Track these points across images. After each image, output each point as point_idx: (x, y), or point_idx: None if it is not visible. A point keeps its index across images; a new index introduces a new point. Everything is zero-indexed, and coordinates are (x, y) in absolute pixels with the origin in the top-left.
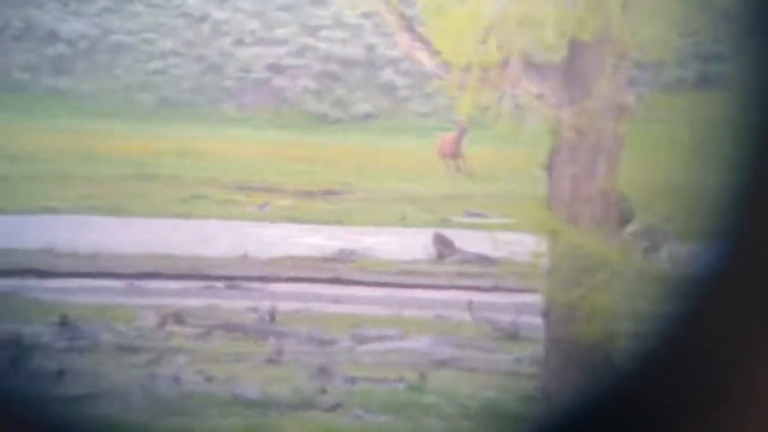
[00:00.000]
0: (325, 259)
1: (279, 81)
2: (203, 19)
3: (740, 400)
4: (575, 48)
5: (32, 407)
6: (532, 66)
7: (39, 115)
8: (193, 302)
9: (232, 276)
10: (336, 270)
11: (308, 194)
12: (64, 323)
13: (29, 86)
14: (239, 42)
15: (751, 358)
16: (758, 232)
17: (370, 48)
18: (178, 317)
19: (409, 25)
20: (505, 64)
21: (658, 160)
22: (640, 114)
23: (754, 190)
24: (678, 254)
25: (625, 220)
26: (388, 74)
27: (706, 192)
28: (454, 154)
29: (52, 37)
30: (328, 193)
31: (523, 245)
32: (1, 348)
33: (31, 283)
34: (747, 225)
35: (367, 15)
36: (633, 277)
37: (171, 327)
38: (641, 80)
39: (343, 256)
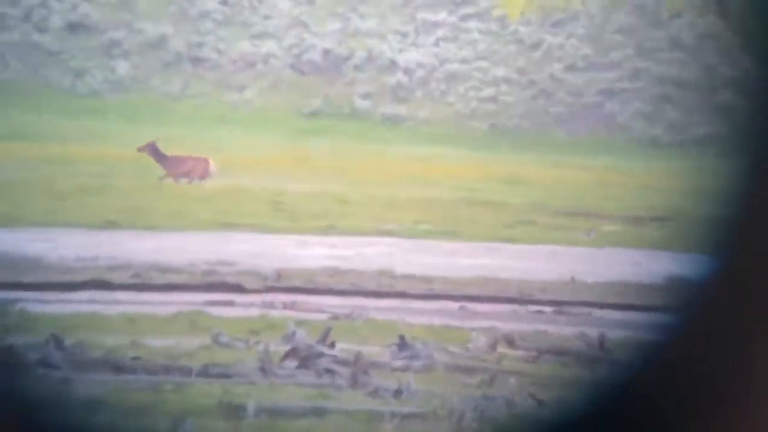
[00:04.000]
0: (652, 287)
1: (610, 106)
2: (536, 45)
3: (740, 400)
4: None
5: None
6: None
7: (375, 140)
8: (524, 326)
9: (559, 301)
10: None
11: (637, 220)
12: (402, 344)
13: (369, 113)
14: (571, 67)
15: (751, 358)
16: (758, 236)
17: (708, 69)
18: (510, 340)
19: None
20: None
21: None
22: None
23: (752, 196)
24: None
25: None
26: (724, 96)
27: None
28: None
29: (392, 66)
30: (658, 219)
31: None
32: (343, 365)
33: (369, 303)
34: (746, 230)
35: (705, 36)
36: None
37: (503, 349)
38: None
39: (674, 285)
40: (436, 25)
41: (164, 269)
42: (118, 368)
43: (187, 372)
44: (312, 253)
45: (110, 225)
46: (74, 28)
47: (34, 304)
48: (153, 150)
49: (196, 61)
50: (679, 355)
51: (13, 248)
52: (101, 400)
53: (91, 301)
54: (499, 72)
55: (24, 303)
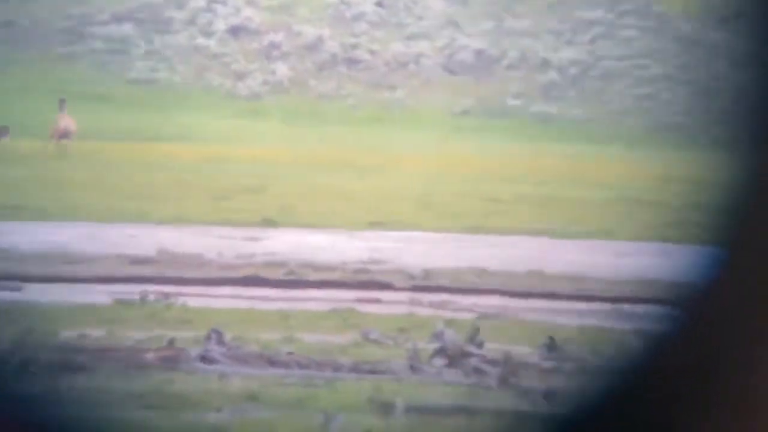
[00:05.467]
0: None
1: None
2: (697, 42)
3: (740, 400)
4: None
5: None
6: None
7: (528, 139)
8: None
9: None
10: None
11: None
12: (551, 345)
13: (520, 112)
14: (734, 64)
15: (751, 358)
16: (758, 234)
17: None
18: None
19: None
20: None
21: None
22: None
23: (753, 194)
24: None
25: None
26: None
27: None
28: None
29: (545, 65)
30: None
31: None
32: (492, 364)
33: (518, 303)
34: (747, 227)
35: None
36: None
37: None
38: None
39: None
40: (592, 22)
41: (318, 267)
42: (272, 362)
43: (338, 367)
44: (460, 252)
45: (268, 223)
46: (236, 31)
47: (195, 299)
48: None
49: (351, 62)
50: (682, 350)
51: (178, 245)
52: (257, 394)
53: (249, 298)
54: (659, 70)
55: (186, 298)
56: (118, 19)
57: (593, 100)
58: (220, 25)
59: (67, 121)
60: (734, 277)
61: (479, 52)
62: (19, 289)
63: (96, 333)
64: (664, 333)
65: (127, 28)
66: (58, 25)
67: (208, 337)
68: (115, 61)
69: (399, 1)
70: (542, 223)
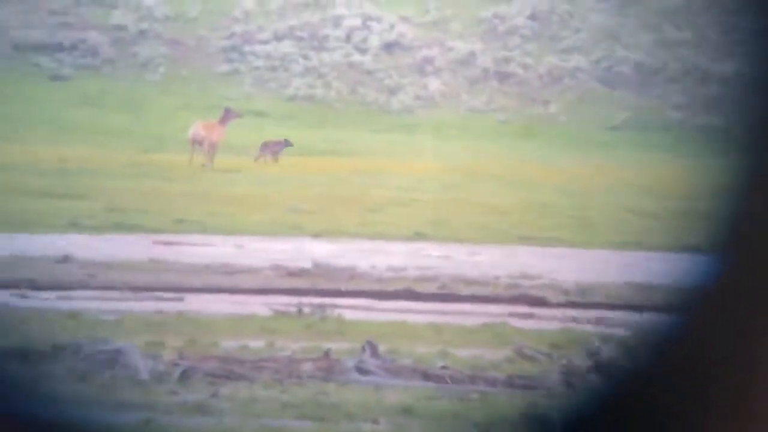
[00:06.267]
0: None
1: None
2: None
3: (740, 401)
4: None
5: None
6: None
7: (689, 152)
8: None
9: None
10: None
11: None
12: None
13: (682, 124)
14: None
15: (751, 360)
16: (757, 240)
17: None
18: None
19: None
20: None
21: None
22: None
23: (752, 201)
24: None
25: None
26: None
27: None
28: None
29: (706, 77)
30: None
31: None
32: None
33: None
34: (748, 230)
35: None
36: None
37: None
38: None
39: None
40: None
41: (470, 281)
42: (426, 376)
43: (492, 382)
44: (614, 268)
45: (419, 236)
46: (390, 47)
47: (350, 311)
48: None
49: (503, 76)
50: (683, 354)
51: (331, 258)
52: (411, 407)
53: (402, 311)
54: None
55: (341, 309)
56: (278, 37)
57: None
58: (375, 42)
59: (214, 131)
60: (733, 282)
61: (638, 65)
62: (181, 300)
63: (255, 344)
64: (665, 337)
65: (287, 46)
66: (221, 44)
67: (362, 349)
68: (274, 78)
69: (553, 15)
70: (698, 238)
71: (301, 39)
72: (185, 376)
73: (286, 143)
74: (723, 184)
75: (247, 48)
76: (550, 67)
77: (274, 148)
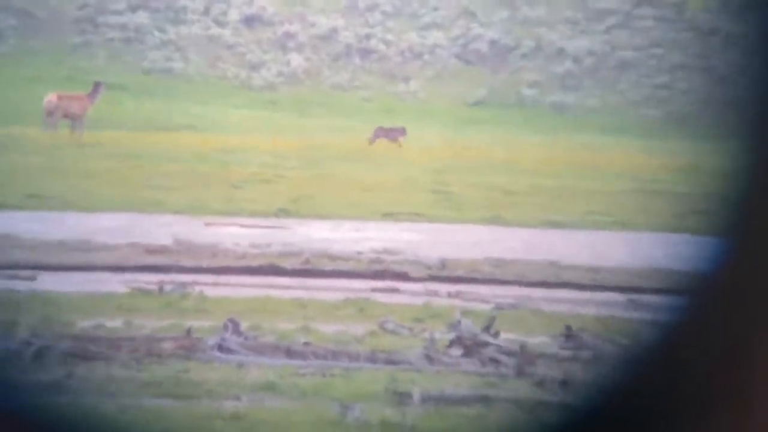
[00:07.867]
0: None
1: None
2: (714, 31)
3: (740, 400)
4: None
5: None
6: None
7: (542, 129)
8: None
9: None
10: None
11: None
12: (569, 334)
13: (535, 102)
14: (749, 53)
15: (751, 357)
16: (759, 231)
17: None
18: None
19: None
20: None
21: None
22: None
23: (762, 185)
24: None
25: None
26: None
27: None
28: None
29: (560, 55)
30: None
31: None
32: (508, 354)
33: (535, 293)
34: (747, 224)
35: None
36: None
37: None
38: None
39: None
40: (607, 12)
41: (334, 256)
42: (289, 353)
43: (355, 357)
44: (476, 243)
45: (282, 213)
46: (251, 21)
47: (212, 288)
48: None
49: (364, 52)
50: (691, 338)
51: (193, 235)
52: (274, 384)
53: (265, 286)
54: (675, 59)
55: (202, 287)
56: (133, 8)
57: (609, 90)
58: (234, 15)
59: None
60: (743, 266)
61: (494, 42)
62: (33, 279)
63: (112, 323)
64: (674, 321)
65: (142, 18)
66: (73, 14)
67: (224, 327)
68: (129, 51)
69: None
70: (559, 215)
71: (156, 10)
72: (39, 355)
73: (403, 131)
74: (578, 161)
75: (100, 19)
76: (411, 43)
77: (392, 135)
